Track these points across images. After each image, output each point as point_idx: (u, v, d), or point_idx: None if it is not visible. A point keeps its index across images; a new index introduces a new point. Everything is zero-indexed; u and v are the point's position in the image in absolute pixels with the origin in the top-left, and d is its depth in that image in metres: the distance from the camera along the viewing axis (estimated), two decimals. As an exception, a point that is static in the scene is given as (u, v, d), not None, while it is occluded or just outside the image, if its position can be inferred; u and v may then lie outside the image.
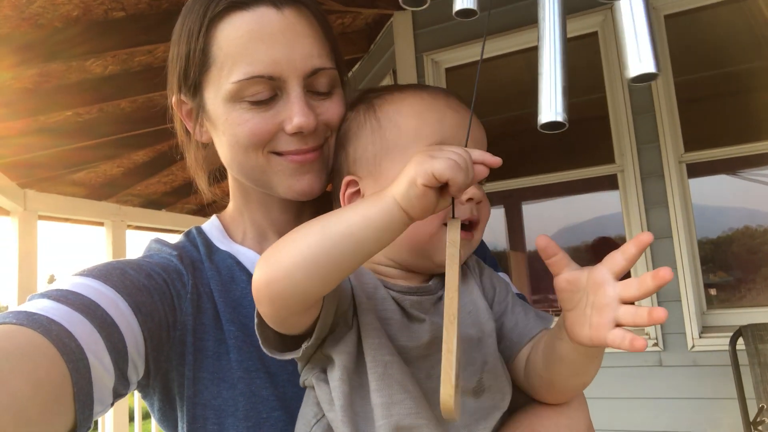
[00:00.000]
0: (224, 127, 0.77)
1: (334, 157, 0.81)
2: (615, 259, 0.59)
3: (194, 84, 0.79)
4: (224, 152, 0.81)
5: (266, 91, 0.75)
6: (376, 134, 0.75)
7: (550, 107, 0.53)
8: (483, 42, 0.65)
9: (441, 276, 0.76)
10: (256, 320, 0.64)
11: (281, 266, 0.57)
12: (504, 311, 0.78)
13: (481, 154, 0.58)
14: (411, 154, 0.60)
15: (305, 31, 0.77)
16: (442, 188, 0.56)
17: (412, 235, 0.68)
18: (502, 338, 0.76)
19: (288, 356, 0.66)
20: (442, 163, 0.54)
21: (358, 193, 0.75)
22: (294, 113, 0.75)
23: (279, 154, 0.78)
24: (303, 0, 0.79)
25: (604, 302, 0.57)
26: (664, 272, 0.52)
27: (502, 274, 0.89)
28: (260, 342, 0.64)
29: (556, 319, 0.70)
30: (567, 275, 0.62)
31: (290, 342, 0.65)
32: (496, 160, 0.58)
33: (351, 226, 0.56)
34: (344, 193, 0.76)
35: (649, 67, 0.49)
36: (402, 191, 0.55)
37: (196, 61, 0.77)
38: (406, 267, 0.76)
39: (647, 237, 0.56)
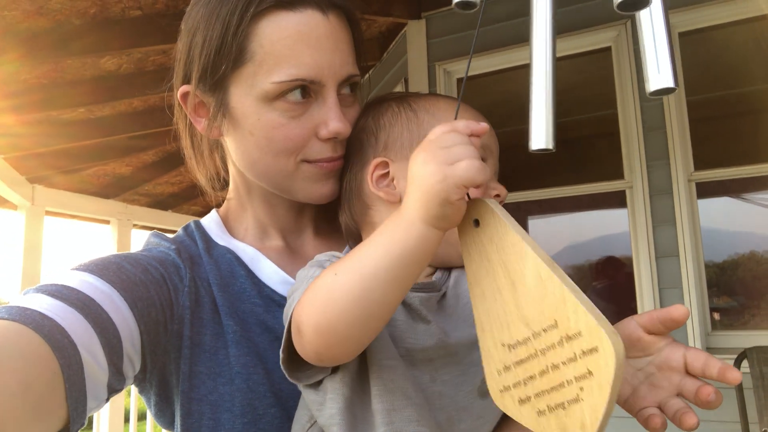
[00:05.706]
0: (254, 128, 0.76)
1: (353, 149, 0.80)
2: (698, 359, 0.58)
3: (220, 79, 0.76)
4: (247, 152, 0.79)
5: (304, 95, 0.74)
6: (412, 122, 0.76)
7: (543, 135, 0.55)
8: (476, 33, 0.65)
9: (445, 269, 0.76)
10: (282, 356, 0.62)
11: (336, 332, 0.56)
12: None
13: (466, 126, 0.56)
14: None
15: (345, 37, 0.77)
16: None
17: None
18: None
19: (315, 378, 0.65)
20: (469, 170, 0.51)
21: (387, 175, 0.75)
22: (330, 118, 0.75)
23: (308, 161, 0.78)
24: (345, 6, 0.78)
25: (663, 386, 0.56)
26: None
27: None
28: (288, 376, 0.64)
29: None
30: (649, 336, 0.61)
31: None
32: (483, 127, 0.57)
33: (393, 270, 0.55)
34: (372, 173, 0.75)
35: (668, 82, 0.50)
36: (435, 213, 0.53)
37: (230, 56, 0.73)
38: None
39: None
